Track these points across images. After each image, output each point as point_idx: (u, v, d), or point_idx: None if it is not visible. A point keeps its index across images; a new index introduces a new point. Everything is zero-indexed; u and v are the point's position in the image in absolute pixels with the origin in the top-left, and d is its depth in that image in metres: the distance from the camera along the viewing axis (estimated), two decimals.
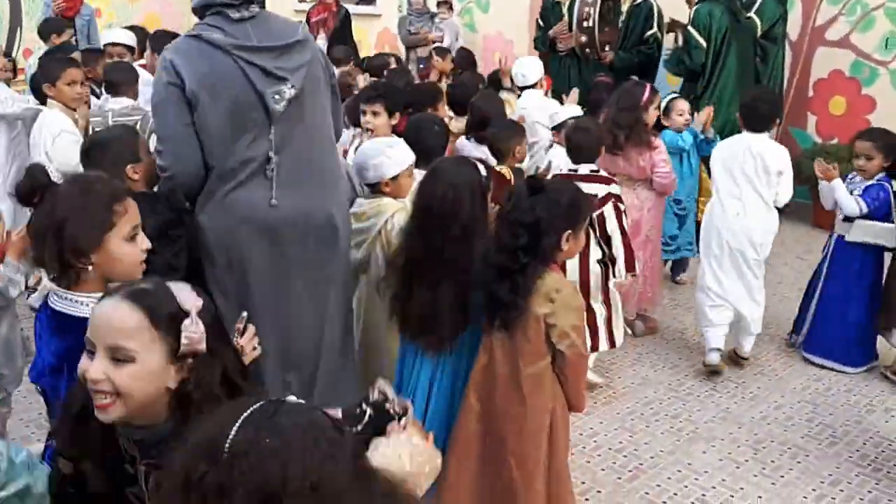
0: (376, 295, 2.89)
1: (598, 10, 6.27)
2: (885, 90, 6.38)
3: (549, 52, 6.59)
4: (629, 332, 4.42)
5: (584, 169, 3.70)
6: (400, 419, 1.54)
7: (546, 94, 5.61)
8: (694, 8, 5.77)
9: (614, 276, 3.65)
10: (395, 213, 2.89)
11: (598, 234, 3.56)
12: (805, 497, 3.13)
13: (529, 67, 5.25)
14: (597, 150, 3.74)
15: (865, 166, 3.97)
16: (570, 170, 3.74)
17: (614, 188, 3.69)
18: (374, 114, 3.73)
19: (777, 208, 3.98)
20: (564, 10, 6.51)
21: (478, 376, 2.48)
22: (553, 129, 4.61)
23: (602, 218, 3.58)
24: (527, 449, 2.42)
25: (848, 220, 4.02)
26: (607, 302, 3.70)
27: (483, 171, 2.62)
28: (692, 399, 3.85)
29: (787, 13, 6.20)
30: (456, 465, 2.47)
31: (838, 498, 3.13)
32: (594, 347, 3.73)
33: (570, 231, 2.34)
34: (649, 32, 6.25)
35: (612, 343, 3.76)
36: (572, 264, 3.47)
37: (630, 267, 3.64)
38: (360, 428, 1.50)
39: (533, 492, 2.42)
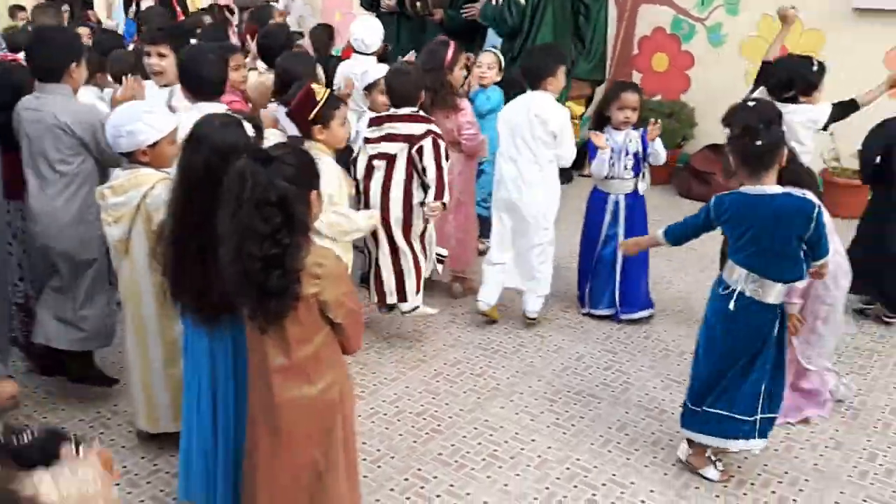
0: (139, 275, 2.76)
1: None
2: (703, 46, 6.65)
3: (372, 10, 6.46)
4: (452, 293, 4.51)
5: (405, 109, 3.75)
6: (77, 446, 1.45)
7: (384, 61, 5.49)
8: None
9: (424, 203, 3.73)
10: (155, 184, 2.73)
11: (418, 168, 3.70)
12: (592, 444, 3.24)
13: (370, 31, 4.81)
14: (416, 95, 3.77)
15: (632, 117, 4.07)
16: (391, 112, 3.78)
17: (434, 126, 3.76)
18: (160, 55, 3.57)
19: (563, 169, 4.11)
20: None
21: (253, 378, 2.32)
22: (364, 89, 4.52)
23: (420, 151, 3.68)
24: (324, 429, 2.27)
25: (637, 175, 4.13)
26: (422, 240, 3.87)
27: (251, 132, 2.51)
28: (498, 356, 3.93)
29: None
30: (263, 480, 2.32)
31: (623, 441, 3.26)
32: (402, 299, 3.88)
33: (314, 190, 2.24)
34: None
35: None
36: (396, 205, 3.72)
37: (439, 195, 3.70)
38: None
39: (336, 472, 2.31)
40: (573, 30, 6.17)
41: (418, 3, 6.17)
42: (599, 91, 6.69)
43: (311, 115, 3.25)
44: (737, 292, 2.77)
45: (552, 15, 5.77)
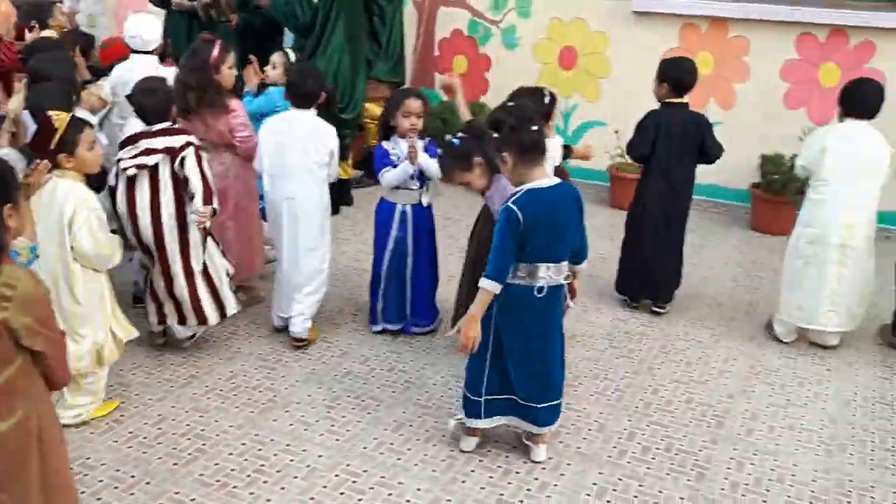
0: None
1: None
2: (498, 49, 6.81)
3: (162, 6, 6.15)
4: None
5: (159, 126, 3.58)
6: None
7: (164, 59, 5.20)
8: None
9: (192, 212, 3.56)
10: None
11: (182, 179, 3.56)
12: (365, 448, 3.19)
13: (147, 27, 4.48)
14: (166, 109, 3.60)
15: (418, 124, 4.04)
16: (142, 130, 3.60)
17: (192, 138, 3.62)
18: None
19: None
20: None
21: None
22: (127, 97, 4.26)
23: (182, 162, 3.53)
24: (12, 469, 2.03)
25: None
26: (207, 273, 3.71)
27: None
28: (280, 367, 3.80)
29: None
30: None
31: (397, 442, 3.23)
32: (202, 321, 3.74)
33: (8, 204, 2.05)
34: None
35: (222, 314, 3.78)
36: (170, 221, 3.54)
37: (207, 200, 3.55)
38: None
39: None
40: (369, 30, 6.14)
41: (212, 11, 5.93)
42: None
43: (53, 145, 3.06)
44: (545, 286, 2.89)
45: (345, 14, 5.69)
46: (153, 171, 3.54)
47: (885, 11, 5.41)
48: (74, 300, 3.17)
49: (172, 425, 3.29)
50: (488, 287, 2.81)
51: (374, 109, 6.40)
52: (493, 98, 6.86)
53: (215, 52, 3.87)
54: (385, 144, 3.90)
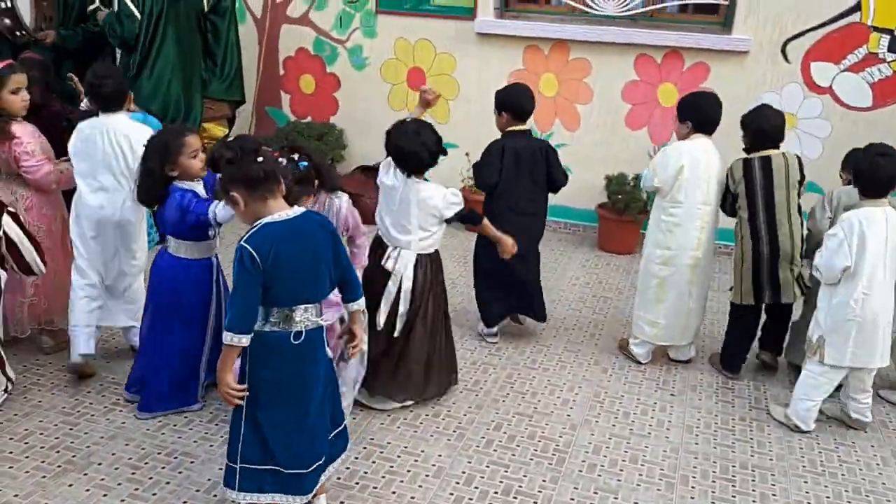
0: None
1: None
2: (346, 68, 6.57)
3: None
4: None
5: None
6: None
7: None
8: None
9: None
10: None
11: None
12: None
13: None
14: None
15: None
16: None
17: None
18: None
19: None
20: None
21: None
22: None
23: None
24: None
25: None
26: None
27: None
28: (84, 421, 3.38)
29: None
30: None
31: (201, 501, 2.90)
32: None
33: None
34: (92, 6, 5.54)
35: None
36: None
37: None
38: None
39: None
40: (203, 48, 5.76)
41: (18, 33, 5.35)
42: (241, 111, 6.40)
43: None
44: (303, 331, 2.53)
45: (174, 31, 5.30)
46: None
47: (715, 35, 5.57)
48: None
49: None
50: (233, 342, 2.39)
51: (215, 129, 6.03)
52: (343, 119, 6.66)
53: None
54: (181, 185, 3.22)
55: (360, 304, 2.72)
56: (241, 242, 2.38)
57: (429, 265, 3.50)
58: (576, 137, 6.10)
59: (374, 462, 3.19)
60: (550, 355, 4.24)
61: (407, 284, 3.44)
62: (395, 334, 3.46)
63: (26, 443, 3.19)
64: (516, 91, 4.24)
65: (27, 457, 3.10)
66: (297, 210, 2.49)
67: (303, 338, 2.50)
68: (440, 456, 3.27)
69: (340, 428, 2.78)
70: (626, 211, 5.77)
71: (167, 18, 5.23)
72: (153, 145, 3.18)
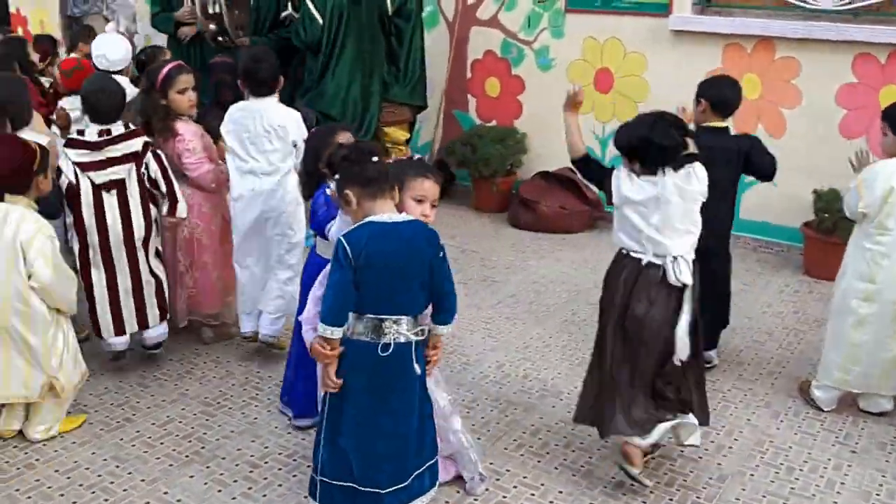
0: None
1: None
2: (532, 70, 6.38)
3: (171, 35, 6.01)
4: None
5: (117, 129, 3.52)
6: None
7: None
8: None
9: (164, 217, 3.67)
10: None
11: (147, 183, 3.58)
12: None
13: (112, 48, 4.43)
14: (116, 109, 3.53)
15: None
16: (99, 131, 3.49)
17: (147, 138, 3.62)
18: None
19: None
20: None
21: None
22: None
23: (147, 167, 3.56)
24: None
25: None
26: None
27: None
28: (221, 413, 3.50)
29: None
30: None
31: None
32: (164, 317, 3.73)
33: None
34: (285, 13, 5.83)
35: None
36: (140, 231, 3.56)
37: (172, 209, 3.64)
38: None
39: None
40: (387, 51, 5.85)
41: (220, 38, 5.74)
42: (423, 116, 6.43)
43: (36, 166, 3.05)
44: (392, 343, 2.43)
45: (355, 34, 5.41)
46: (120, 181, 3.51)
47: None
48: (28, 330, 3.08)
49: (83, 475, 3.03)
50: (326, 333, 2.36)
51: (396, 133, 6.12)
52: (526, 123, 6.47)
53: (162, 74, 3.64)
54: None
55: (446, 329, 2.57)
56: (339, 236, 2.37)
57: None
58: (780, 145, 5.39)
59: (487, 489, 2.99)
60: (713, 392, 3.75)
61: (689, 294, 2.97)
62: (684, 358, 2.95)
63: (165, 429, 3.36)
64: (722, 80, 3.88)
65: (162, 443, 3.26)
66: (406, 216, 2.45)
67: (391, 350, 2.41)
68: (560, 493, 3.00)
69: (431, 462, 2.61)
70: (834, 231, 5.04)
71: (349, 22, 5.35)
72: (309, 143, 3.26)
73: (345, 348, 2.41)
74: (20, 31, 9.45)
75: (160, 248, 3.75)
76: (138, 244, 3.56)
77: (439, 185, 2.67)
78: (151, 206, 3.63)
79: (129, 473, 3.05)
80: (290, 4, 5.84)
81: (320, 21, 5.30)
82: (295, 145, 3.59)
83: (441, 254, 2.45)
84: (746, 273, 5.20)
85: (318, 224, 3.03)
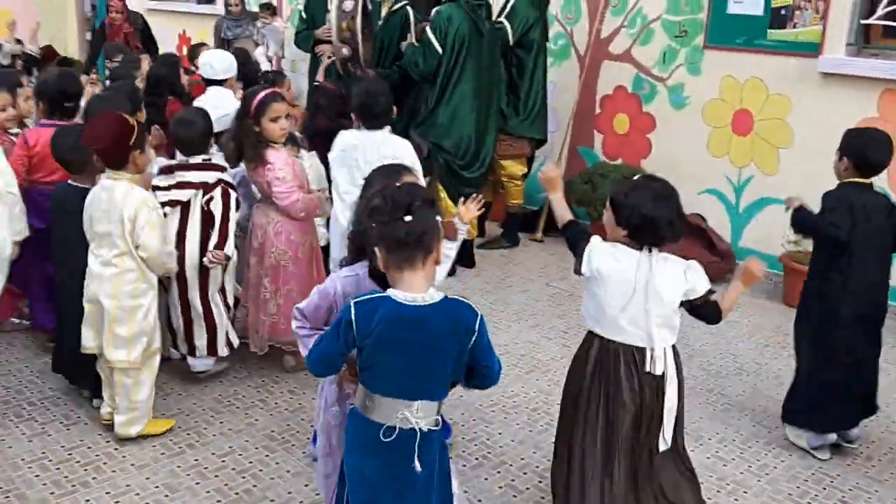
0: None
1: (359, 19, 5.68)
2: (664, 108, 5.99)
3: (311, 54, 6.10)
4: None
5: (196, 158, 3.62)
6: None
7: None
8: (435, 9, 5.32)
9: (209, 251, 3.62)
10: None
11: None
12: None
13: (219, 58, 4.70)
14: (202, 142, 3.64)
15: None
16: (180, 160, 3.63)
17: (226, 175, 3.67)
18: None
19: None
20: (328, 8, 5.96)
21: None
22: (216, 136, 4.18)
23: (210, 200, 3.59)
24: None
25: None
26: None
27: None
28: (282, 450, 3.37)
29: (545, 18, 5.79)
30: None
31: None
32: (213, 352, 3.77)
33: None
34: (404, 44, 5.74)
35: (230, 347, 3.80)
36: (193, 254, 3.59)
37: (220, 244, 3.59)
38: None
39: None
40: (508, 82, 5.66)
41: (349, 64, 5.76)
42: (545, 151, 6.17)
43: (132, 140, 3.10)
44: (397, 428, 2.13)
45: (474, 64, 5.25)
46: (185, 203, 3.58)
47: None
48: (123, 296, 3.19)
49: (131, 501, 2.98)
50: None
51: (513, 167, 5.92)
52: (654, 162, 6.07)
53: (256, 101, 3.61)
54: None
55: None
56: (353, 300, 2.09)
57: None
58: None
59: None
60: (876, 482, 3.26)
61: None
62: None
63: (223, 461, 3.27)
64: (870, 137, 3.37)
65: (216, 475, 3.17)
66: (435, 296, 2.06)
67: (394, 436, 2.09)
68: None
69: None
70: None
71: (468, 52, 5.19)
72: (370, 181, 3.01)
73: (350, 420, 2.20)
74: (184, 51, 10.09)
75: (227, 286, 3.77)
76: (190, 271, 3.59)
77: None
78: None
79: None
80: (410, 36, 5.77)
81: (439, 51, 5.17)
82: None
83: (476, 337, 2.09)
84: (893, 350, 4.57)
85: None
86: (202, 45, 6.53)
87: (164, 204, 3.49)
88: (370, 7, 5.80)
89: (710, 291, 2.61)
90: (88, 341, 3.25)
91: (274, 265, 3.80)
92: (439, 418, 2.17)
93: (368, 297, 2.08)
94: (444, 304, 2.06)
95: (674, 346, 2.62)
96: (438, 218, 2.09)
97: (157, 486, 3.08)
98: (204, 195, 3.56)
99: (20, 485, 3.04)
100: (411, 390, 2.09)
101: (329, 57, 5.82)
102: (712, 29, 5.60)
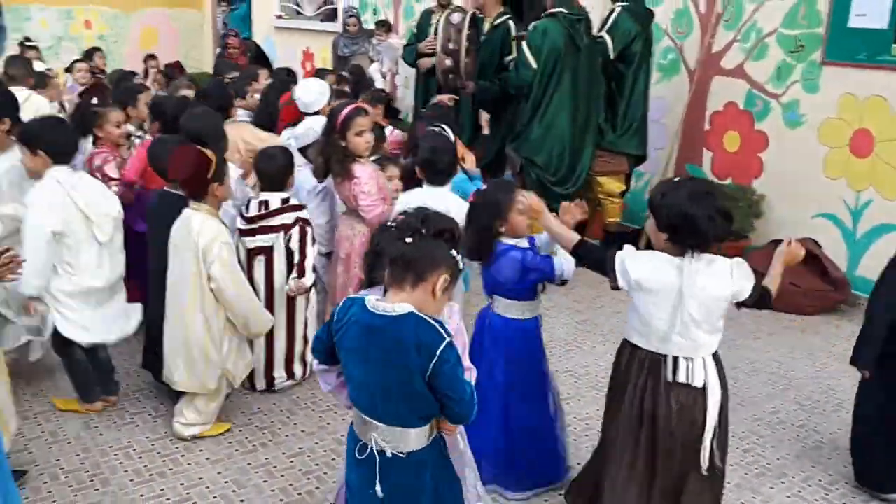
0: None
1: (465, 33, 5.78)
2: (777, 126, 5.70)
3: (413, 66, 6.23)
4: None
5: (275, 200, 3.74)
6: None
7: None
8: (532, 24, 5.30)
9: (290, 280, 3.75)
10: None
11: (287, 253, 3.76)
12: None
13: (309, 92, 4.69)
14: (282, 177, 3.76)
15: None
16: (260, 201, 3.76)
17: (304, 213, 3.79)
18: None
19: None
20: (434, 23, 6.08)
21: None
22: (300, 150, 4.33)
23: (289, 240, 3.74)
24: None
25: None
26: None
27: None
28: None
29: (648, 32, 5.63)
30: None
31: None
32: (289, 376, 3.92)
33: None
34: (509, 58, 5.78)
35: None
36: (281, 294, 3.77)
37: (300, 274, 3.71)
38: None
39: None
40: (607, 96, 5.56)
41: (450, 76, 5.84)
42: (651, 168, 6.00)
43: (211, 174, 3.24)
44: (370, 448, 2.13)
45: (570, 79, 5.18)
46: (268, 248, 3.76)
47: None
48: (207, 327, 3.33)
49: (201, 494, 3.12)
50: None
51: (611, 184, 5.80)
52: (766, 183, 5.78)
53: (342, 115, 3.71)
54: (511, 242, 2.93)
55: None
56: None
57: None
58: None
59: None
60: None
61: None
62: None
63: (291, 461, 3.36)
64: None
65: (283, 475, 3.26)
66: (399, 310, 1.98)
67: (366, 454, 2.08)
68: None
69: None
70: None
71: (564, 66, 5.14)
72: (484, 200, 2.97)
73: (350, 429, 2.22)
74: (308, 67, 10.54)
75: (309, 319, 3.92)
76: (278, 310, 3.77)
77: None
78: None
79: (242, 501, 3.09)
80: (514, 48, 5.79)
81: (534, 65, 5.14)
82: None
83: (436, 362, 1.96)
84: None
85: (540, 275, 2.88)
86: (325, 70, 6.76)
87: (250, 252, 3.70)
88: (478, 22, 5.87)
89: (759, 286, 2.50)
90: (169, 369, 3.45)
91: (359, 275, 3.89)
92: (404, 448, 2.08)
93: (348, 302, 2.10)
94: (407, 320, 1.97)
95: (715, 355, 2.51)
96: (453, 253, 2.03)
97: (226, 482, 3.21)
98: (285, 235, 3.72)
99: (105, 470, 3.25)
100: (377, 409, 2.06)
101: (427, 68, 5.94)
102: (831, 44, 5.29)
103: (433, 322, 1.98)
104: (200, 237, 3.23)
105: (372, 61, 8.82)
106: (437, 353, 1.95)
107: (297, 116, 4.65)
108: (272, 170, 3.73)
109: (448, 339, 1.97)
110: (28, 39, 7.99)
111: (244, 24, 10.32)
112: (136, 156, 4.12)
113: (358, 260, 3.87)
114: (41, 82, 5.57)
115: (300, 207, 3.79)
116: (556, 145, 5.22)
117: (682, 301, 2.40)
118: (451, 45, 5.88)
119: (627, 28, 5.43)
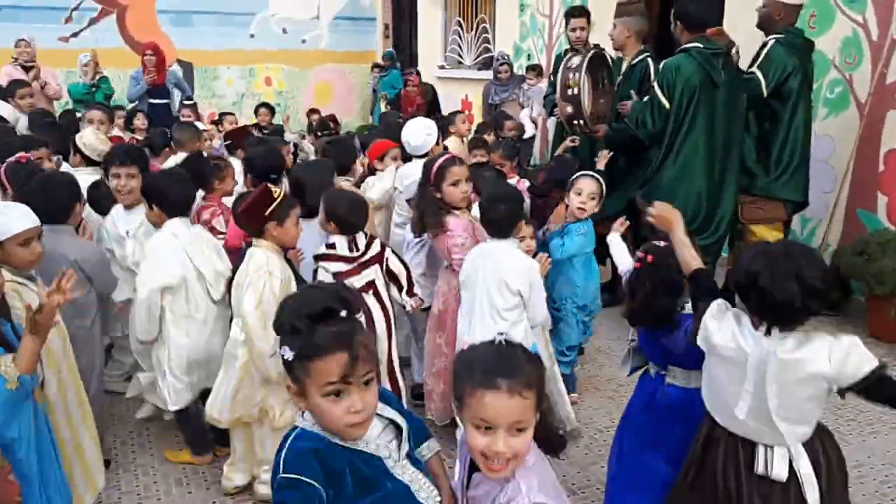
0: None
1: (583, 74, 5.44)
2: None
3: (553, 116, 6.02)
4: None
5: (361, 238, 3.56)
6: None
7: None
8: (664, 62, 4.89)
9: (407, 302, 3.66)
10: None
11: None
12: None
13: (415, 134, 4.54)
14: (354, 220, 3.53)
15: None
16: (349, 242, 3.58)
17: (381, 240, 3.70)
18: (130, 176, 3.83)
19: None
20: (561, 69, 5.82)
21: None
22: (408, 201, 4.25)
23: (388, 265, 3.59)
24: None
25: None
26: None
27: None
28: None
29: (808, 65, 5.00)
30: None
31: None
32: None
33: None
34: (644, 99, 5.38)
35: None
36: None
37: (410, 291, 3.61)
38: None
39: None
40: (758, 135, 5.02)
41: (576, 123, 5.53)
42: (814, 213, 5.35)
43: (268, 211, 3.17)
44: None
45: (706, 118, 4.70)
46: (372, 281, 3.55)
47: None
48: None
49: None
50: None
51: (766, 233, 5.21)
52: None
53: (435, 166, 3.57)
54: None
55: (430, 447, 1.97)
56: None
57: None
58: None
59: None
60: None
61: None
62: None
63: None
64: None
65: None
66: None
67: None
68: None
69: None
70: None
71: (699, 105, 4.66)
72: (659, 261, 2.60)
73: None
74: (466, 114, 10.65)
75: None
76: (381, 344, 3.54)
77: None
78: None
79: None
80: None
81: (667, 106, 4.71)
82: (521, 295, 3.26)
83: None
84: None
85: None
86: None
87: (361, 289, 3.49)
88: (607, 60, 5.55)
89: (879, 369, 1.97)
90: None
91: (454, 333, 3.71)
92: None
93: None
94: None
95: (822, 439, 2.05)
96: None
97: None
98: (380, 265, 3.57)
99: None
100: None
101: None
102: None
103: None
104: (249, 266, 3.16)
105: (522, 107, 8.71)
106: None
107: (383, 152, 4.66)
108: (344, 214, 3.50)
109: None
110: (189, 98, 8.63)
111: (392, 90, 10.68)
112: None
113: (455, 317, 3.69)
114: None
115: (375, 236, 3.67)
116: (692, 191, 4.73)
117: (753, 378, 1.99)
118: (569, 92, 5.57)
119: (782, 62, 4.87)
